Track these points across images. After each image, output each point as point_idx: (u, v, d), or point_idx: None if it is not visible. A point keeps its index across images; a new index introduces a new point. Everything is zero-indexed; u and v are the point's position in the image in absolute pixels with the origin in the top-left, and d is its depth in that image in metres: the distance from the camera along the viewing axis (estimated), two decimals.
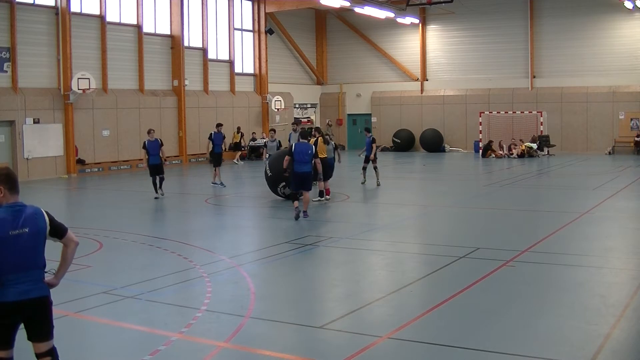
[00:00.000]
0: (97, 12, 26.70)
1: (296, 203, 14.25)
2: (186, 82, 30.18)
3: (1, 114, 23.22)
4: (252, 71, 34.82)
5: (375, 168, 20.29)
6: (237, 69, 33.79)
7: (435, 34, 37.07)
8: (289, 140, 21.49)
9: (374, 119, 37.98)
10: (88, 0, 26.40)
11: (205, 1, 31.72)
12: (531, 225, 13.89)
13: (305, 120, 38.68)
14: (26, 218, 4.84)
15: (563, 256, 10.55)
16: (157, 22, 29.40)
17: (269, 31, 34.59)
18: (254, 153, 32.42)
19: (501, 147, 32.35)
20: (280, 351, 6.54)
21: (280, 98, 34.86)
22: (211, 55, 32.18)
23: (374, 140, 20.32)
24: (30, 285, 4.83)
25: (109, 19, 27.04)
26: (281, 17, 36.36)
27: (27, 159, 23.96)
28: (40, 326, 4.92)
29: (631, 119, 32.13)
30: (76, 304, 8.15)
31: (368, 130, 21.15)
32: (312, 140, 17.14)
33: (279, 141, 20.54)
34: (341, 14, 38.17)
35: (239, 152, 31.50)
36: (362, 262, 10.83)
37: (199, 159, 30.92)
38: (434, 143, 35.86)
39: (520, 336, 6.87)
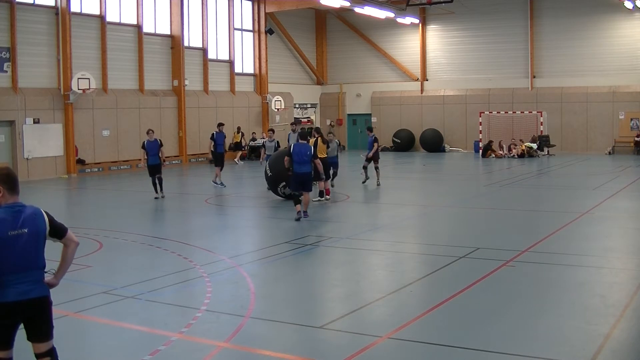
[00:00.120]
0: (97, 12, 26.71)
1: (298, 207, 14.21)
2: (186, 82, 30.18)
3: (1, 114, 23.22)
4: (252, 71, 34.82)
5: (376, 168, 20.25)
6: (237, 69, 33.79)
7: (435, 34, 37.08)
8: (288, 141, 21.45)
9: (374, 119, 37.97)
10: (88, 0, 26.41)
11: (205, 1, 31.73)
12: (531, 225, 13.89)
13: (305, 120, 38.71)
14: (25, 218, 4.83)
15: (563, 256, 10.55)
16: (157, 22, 29.41)
17: (269, 31, 34.60)
18: (254, 153, 32.41)
19: (501, 147, 32.36)
20: (280, 351, 6.54)
21: (280, 98, 34.86)
22: (211, 55, 32.19)
23: (376, 140, 20.26)
24: (30, 286, 4.82)
25: (109, 19, 27.04)
26: (281, 17, 36.37)
27: (27, 159, 23.96)
28: (40, 326, 4.91)
29: (631, 119, 32.13)
30: (76, 304, 8.15)
31: (370, 129, 21.02)
32: (312, 140, 17.15)
33: (278, 141, 20.50)
34: (341, 14, 38.18)
35: (240, 152, 31.50)
36: (362, 262, 10.83)
37: (199, 159, 30.93)
38: (434, 143, 35.87)
39: (520, 336, 6.87)
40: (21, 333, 4.93)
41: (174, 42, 29.85)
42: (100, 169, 26.55)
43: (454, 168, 28.67)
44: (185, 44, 30.29)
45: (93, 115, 26.40)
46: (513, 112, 33.65)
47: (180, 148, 30.19)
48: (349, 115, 39.68)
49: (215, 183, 20.75)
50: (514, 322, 7.38)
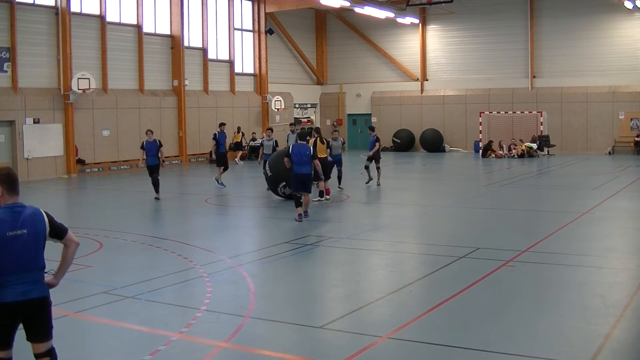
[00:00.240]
0: (97, 12, 26.70)
1: (300, 209, 14.18)
2: (186, 82, 30.18)
3: (1, 114, 23.22)
4: (252, 71, 34.82)
5: (377, 168, 20.19)
6: (237, 69, 33.79)
7: (435, 34, 37.08)
8: (287, 142, 21.41)
9: (374, 119, 37.96)
10: (88, 0, 26.41)
11: (205, 1, 31.73)
12: (531, 225, 13.89)
13: (305, 120, 38.72)
14: (25, 219, 4.82)
15: (563, 256, 10.55)
16: (157, 22, 29.41)
17: (269, 31, 34.60)
18: (254, 153, 32.37)
19: (501, 147, 32.36)
20: (280, 351, 6.54)
21: (280, 98, 34.86)
22: (211, 55, 32.19)
23: (378, 140, 20.18)
24: (30, 286, 4.82)
25: (109, 19, 27.04)
26: (281, 17, 36.37)
27: (27, 159, 23.96)
28: (40, 326, 4.91)
29: (631, 119, 32.13)
30: (76, 304, 8.15)
31: (372, 129, 20.86)
32: (311, 141, 17.14)
33: (276, 140, 20.44)
34: (341, 14, 38.17)
35: (240, 152, 31.50)
36: (362, 262, 10.83)
37: (199, 159, 30.93)
38: (434, 143, 35.87)
39: (520, 336, 6.87)
40: (21, 333, 4.93)
41: (174, 42, 29.85)
42: (100, 169, 26.56)
43: (454, 168, 28.67)
44: (185, 44, 30.29)
45: (93, 115, 26.40)
46: (513, 112, 33.65)
47: (180, 148, 30.20)
48: (349, 115, 39.68)
49: (217, 182, 20.73)
50: (514, 322, 7.38)
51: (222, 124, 21.92)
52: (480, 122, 33.43)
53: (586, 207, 15.52)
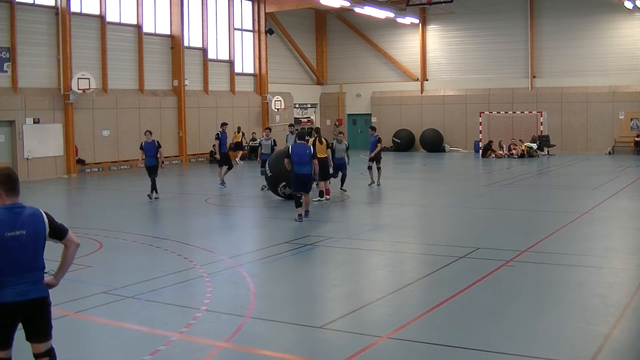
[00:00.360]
0: (97, 12, 26.70)
1: (300, 209, 14.17)
2: (186, 82, 30.18)
3: (1, 114, 23.22)
4: (252, 71, 34.82)
5: (378, 169, 20.11)
6: (237, 69, 33.79)
7: (435, 34, 37.08)
8: (287, 142, 21.36)
9: (374, 119, 37.96)
10: (88, 0, 26.41)
11: (205, 1, 31.72)
12: (531, 225, 13.89)
13: (305, 120, 38.73)
14: (24, 219, 4.82)
15: (563, 256, 10.55)
16: (157, 22, 29.41)
17: (269, 31, 34.60)
18: (254, 153, 32.38)
19: (501, 147, 32.35)
20: (280, 351, 6.54)
21: (280, 98, 34.86)
22: (211, 55, 32.19)
23: (379, 140, 20.01)
24: (29, 286, 4.82)
25: (109, 19, 27.04)
26: (281, 17, 36.37)
27: (27, 159, 23.96)
28: (39, 327, 4.92)
29: (631, 119, 32.13)
30: (76, 304, 8.15)
31: (373, 129, 20.69)
32: (311, 140, 17.10)
33: (274, 140, 20.39)
34: (341, 14, 38.17)
35: (240, 152, 31.50)
36: (362, 262, 10.83)
37: (199, 159, 30.93)
38: (434, 143, 35.87)
39: (520, 336, 6.87)
40: (20, 333, 4.93)
41: (174, 42, 29.85)
42: (100, 169, 26.55)
43: (454, 168, 28.67)
44: (185, 44, 30.29)
45: (93, 115, 26.40)
46: (513, 112, 33.65)
47: (180, 148, 30.19)
48: (349, 115, 39.67)
49: (223, 182, 20.77)
50: (514, 322, 7.38)
51: (224, 124, 21.94)
52: (480, 122, 33.43)
53: (586, 207, 15.53)
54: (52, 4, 24.91)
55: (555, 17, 33.74)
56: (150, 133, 18.50)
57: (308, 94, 39.35)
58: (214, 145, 30.26)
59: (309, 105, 39.87)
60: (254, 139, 32.83)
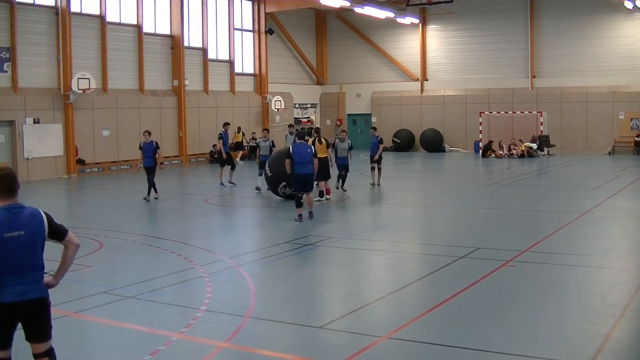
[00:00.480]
0: (97, 12, 26.70)
1: (300, 209, 14.15)
2: (186, 82, 30.18)
3: (1, 114, 23.22)
4: (252, 71, 34.82)
5: (379, 169, 20.03)
6: (237, 69, 33.79)
7: (435, 34, 37.08)
8: (286, 142, 21.32)
9: (374, 119, 37.97)
10: (88, 0, 26.41)
11: (205, 1, 31.72)
12: (531, 225, 13.88)
13: (305, 120, 38.73)
14: (23, 220, 4.81)
15: (563, 256, 10.55)
16: (157, 22, 29.40)
17: (269, 31, 34.60)
18: (254, 153, 32.36)
19: (501, 147, 32.35)
20: (280, 351, 6.54)
21: (280, 98, 34.87)
22: (211, 55, 32.19)
23: (381, 141, 19.86)
24: (29, 287, 4.82)
25: (109, 19, 27.03)
26: (281, 17, 36.37)
27: (27, 159, 23.96)
28: (39, 327, 4.92)
29: (631, 119, 32.13)
30: (76, 304, 8.15)
31: (375, 129, 20.55)
32: (310, 140, 17.09)
33: (272, 141, 20.34)
34: (341, 14, 38.17)
35: (241, 152, 31.50)
36: (362, 262, 10.83)
37: (199, 159, 30.93)
38: (434, 143, 35.87)
39: (520, 336, 6.87)
40: (20, 333, 4.93)
41: (174, 42, 29.84)
42: (100, 169, 26.55)
43: (454, 168, 28.67)
44: (185, 44, 30.28)
45: (93, 115, 26.40)
46: (513, 112, 33.65)
47: (180, 148, 30.19)
48: (349, 115, 39.68)
49: (232, 183, 20.75)
50: (514, 322, 7.38)
51: (226, 124, 21.95)
52: (480, 122, 33.43)
53: (586, 207, 15.53)
54: (52, 4, 24.91)
55: (555, 17, 33.74)
56: (149, 133, 18.44)
57: (308, 94, 39.35)
58: (214, 146, 30.32)
59: (309, 105, 39.87)
60: (254, 139, 32.83)
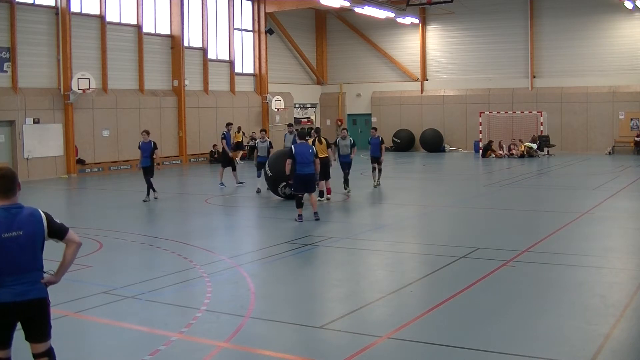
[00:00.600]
0: (97, 12, 26.70)
1: (300, 210, 14.13)
2: (186, 82, 30.18)
3: (1, 114, 23.22)
4: (252, 71, 34.82)
5: (379, 170, 20.00)
6: (237, 69, 33.79)
7: (435, 34, 37.08)
8: (285, 142, 21.30)
9: (374, 119, 37.98)
10: (88, 0, 26.40)
11: (205, 1, 31.72)
12: (531, 225, 13.88)
13: (305, 120, 38.73)
14: (22, 220, 4.80)
15: (563, 256, 10.55)
16: (157, 22, 29.40)
17: (269, 31, 34.60)
18: (254, 153, 32.36)
19: (501, 147, 32.35)
20: (280, 351, 6.54)
21: (280, 98, 34.87)
22: (211, 55, 32.19)
23: (383, 141, 19.84)
24: (28, 287, 4.81)
25: (109, 19, 27.03)
26: (281, 17, 36.37)
27: (27, 159, 23.96)
28: (38, 327, 4.91)
29: (631, 119, 32.13)
30: (76, 304, 8.15)
31: (375, 129, 20.54)
32: (310, 140, 17.09)
33: (270, 142, 20.32)
34: (341, 14, 38.18)
35: (241, 152, 31.49)
36: (362, 262, 10.83)
37: (199, 159, 30.93)
38: (434, 143, 35.87)
39: (520, 336, 6.87)
40: (19, 333, 4.93)
41: (174, 42, 29.84)
42: (100, 169, 26.55)
43: (454, 168, 28.67)
44: (185, 44, 30.28)
45: (93, 115, 26.40)
46: (513, 112, 33.64)
47: (180, 148, 30.19)
48: (349, 115, 39.68)
49: (241, 183, 20.72)
50: (514, 322, 7.38)
51: (229, 124, 21.96)
52: (480, 122, 33.42)
53: (586, 207, 15.52)
54: (52, 4, 24.91)
55: (555, 17, 33.74)
56: (147, 133, 18.32)
57: (308, 94, 39.35)
58: (214, 146, 30.34)
59: (309, 105, 39.87)
60: (253, 139, 32.81)
